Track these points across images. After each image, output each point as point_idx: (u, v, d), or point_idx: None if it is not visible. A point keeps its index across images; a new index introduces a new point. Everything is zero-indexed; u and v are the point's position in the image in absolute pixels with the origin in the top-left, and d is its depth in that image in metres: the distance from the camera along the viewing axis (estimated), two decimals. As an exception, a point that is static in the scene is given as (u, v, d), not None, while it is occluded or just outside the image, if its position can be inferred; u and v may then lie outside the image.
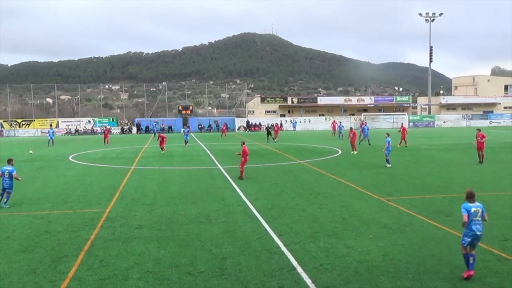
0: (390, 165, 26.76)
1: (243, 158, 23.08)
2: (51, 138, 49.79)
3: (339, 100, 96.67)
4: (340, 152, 36.23)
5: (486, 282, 9.23)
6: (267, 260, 10.69)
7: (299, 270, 10.01)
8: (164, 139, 38.80)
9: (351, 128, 38.64)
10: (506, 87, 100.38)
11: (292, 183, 21.62)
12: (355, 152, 34.65)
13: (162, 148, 38.24)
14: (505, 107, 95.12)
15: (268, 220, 14.36)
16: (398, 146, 39.44)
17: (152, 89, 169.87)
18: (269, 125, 38.54)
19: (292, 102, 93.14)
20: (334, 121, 63.34)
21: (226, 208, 16.39)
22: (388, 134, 28.60)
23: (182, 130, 40.61)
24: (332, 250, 11.34)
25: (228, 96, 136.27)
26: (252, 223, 14.12)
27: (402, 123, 51.94)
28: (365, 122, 56.90)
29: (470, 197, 9.76)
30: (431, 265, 10.21)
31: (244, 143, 23.78)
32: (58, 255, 11.22)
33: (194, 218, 14.86)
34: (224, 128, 64.65)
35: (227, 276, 9.72)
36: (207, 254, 11.21)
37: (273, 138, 50.58)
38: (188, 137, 45.04)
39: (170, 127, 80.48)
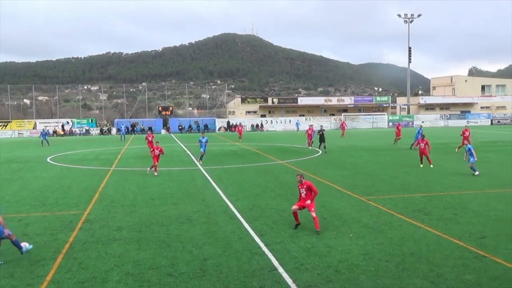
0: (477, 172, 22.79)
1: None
2: (44, 138, 50.35)
3: (319, 100, 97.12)
4: (320, 152, 36.37)
5: (464, 279, 9.35)
6: (248, 260, 10.68)
7: (280, 270, 10.02)
8: (160, 153, 25.11)
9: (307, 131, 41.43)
10: (483, 87, 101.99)
11: (272, 183, 21.64)
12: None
13: (155, 167, 25.15)
14: (482, 107, 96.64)
15: (249, 221, 14.36)
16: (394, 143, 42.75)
17: (131, 90, 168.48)
18: (321, 129, 37.16)
19: (273, 102, 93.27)
20: (344, 122, 63.57)
21: (207, 208, 16.33)
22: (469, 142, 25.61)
23: (200, 139, 30.56)
24: (313, 250, 11.37)
25: (208, 96, 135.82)
26: (233, 224, 14.10)
27: (399, 123, 52.52)
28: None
29: None
30: (411, 264, 10.31)
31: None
32: (36, 258, 11.05)
33: (174, 219, 14.78)
34: (240, 129, 58.05)
35: (208, 277, 9.69)
36: (187, 255, 11.15)
37: (239, 138, 52.03)
38: (206, 149, 30.74)
39: (150, 128, 79.94)
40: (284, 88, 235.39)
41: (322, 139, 35.56)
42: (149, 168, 25.72)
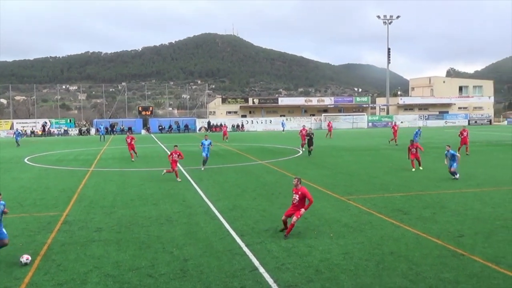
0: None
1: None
2: (16, 139, 50.16)
3: (299, 100, 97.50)
4: (300, 152, 36.51)
5: (442, 277, 9.47)
6: (229, 260, 10.66)
7: (261, 270, 10.03)
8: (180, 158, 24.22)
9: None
10: (460, 88, 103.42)
11: (253, 183, 21.65)
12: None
13: (176, 173, 23.97)
14: (459, 108, 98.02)
15: (230, 221, 14.34)
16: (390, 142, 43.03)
17: (111, 90, 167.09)
18: (310, 132, 34.52)
19: (253, 102, 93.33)
20: (330, 122, 63.48)
21: (188, 209, 16.27)
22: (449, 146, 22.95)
23: (202, 142, 27.48)
24: (294, 250, 11.41)
25: (189, 96, 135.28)
26: (213, 224, 14.07)
27: (395, 123, 52.82)
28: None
29: None
30: (390, 262, 10.40)
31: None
32: (13, 260, 10.86)
33: (154, 220, 14.68)
34: (225, 129, 58.00)
35: (188, 278, 9.65)
36: (168, 256, 11.09)
37: (225, 138, 51.96)
38: (208, 154, 27.49)
39: (130, 128, 79.36)
40: (264, 89, 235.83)
41: (310, 142, 33.61)
42: (164, 171, 23.47)
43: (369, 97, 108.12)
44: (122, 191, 20.22)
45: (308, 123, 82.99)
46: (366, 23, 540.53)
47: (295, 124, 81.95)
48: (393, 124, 49.42)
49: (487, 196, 17.72)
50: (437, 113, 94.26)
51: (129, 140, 33.12)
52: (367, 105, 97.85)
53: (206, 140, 27.45)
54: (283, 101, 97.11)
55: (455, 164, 21.71)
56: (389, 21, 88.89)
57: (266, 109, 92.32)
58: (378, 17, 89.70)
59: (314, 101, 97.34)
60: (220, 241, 12.28)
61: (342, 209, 15.91)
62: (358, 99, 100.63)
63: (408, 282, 9.25)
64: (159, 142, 52.68)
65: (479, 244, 11.66)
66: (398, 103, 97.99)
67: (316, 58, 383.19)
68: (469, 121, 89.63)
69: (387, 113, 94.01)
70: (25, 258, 10.59)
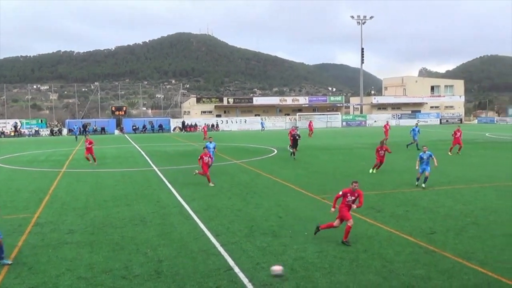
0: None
1: None
2: None
3: (274, 100, 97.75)
4: (275, 151, 36.61)
5: (415, 274, 9.62)
6: (204, 261, 10.63)
7: (236, 269, 10.02)
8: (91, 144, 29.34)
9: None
10: (432, 88, 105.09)
11: (228, 183, 21.61)
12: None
13: (88, 159, 29.67)
14: (431, 107, 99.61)
15: (205, 221, 14.29)
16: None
17: (83, 90, 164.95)
18: (295, 133, 32.57)
19: (228, 102, 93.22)
20: (311, 121, 63.36)
21: (162, 209, 16.15)
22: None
23: (207, 145, 25.29)
24: (269, 249, 11.43)
25: (163, 96, 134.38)
26: (188, 224, 14.00)
27: (387, 122, 52.55)
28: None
29: None
30: (364, 260, 10.51)
31: None
32: (-18, 264, 10.62)
33: (128, 221, 14.54)
34: (205, 129, 59.18)
35: (163, 279, 9.58)
36: (142, 257, 10.99)
37: (204, 138, 51.58)
38: (214, 158, 24.81)
39: (103, 129, 78.43)
40: (239, 88, 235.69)
41: (295, 143, 31.73)
42: (197, 171, 21.59)
43: (343, 96, 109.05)
44: (95, 192, 19.96)
45: (283, 122, 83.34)
46: (340, 23, 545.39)
47: (269, 124, 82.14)
48: (386, 123, 49.27)
49: (458, 194, 18.05)
50: (410, 112, 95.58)
51: (87, 144, 30.06)
52: (341, 105, 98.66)
53: (211, 143, 25.74)
54: (258, 100, 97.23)
55: (429, 168, 19.29)
56: (363, 21, 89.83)
57: (241, 108, 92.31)
58: (352, 17, 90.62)
59: (289, 100, 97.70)
60: (195, 241, 12.23)
61: (317, 208, 16.00)
62: (332, 98, 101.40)
63: (382, 279, 9.37)
64: (133, 143, 52.18)
65: (450, 241, 11.88)
66: (371, 103, 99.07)
67: (291, 58, 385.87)
68: (440, 120, 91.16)
69: (361, 112, 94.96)
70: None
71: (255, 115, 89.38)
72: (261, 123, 77.39)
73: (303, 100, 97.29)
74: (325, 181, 21.91)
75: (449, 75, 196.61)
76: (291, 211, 15.61)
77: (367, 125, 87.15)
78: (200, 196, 18.39)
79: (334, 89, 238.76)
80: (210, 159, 21.54)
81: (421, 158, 19.46)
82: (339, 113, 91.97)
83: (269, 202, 17.10)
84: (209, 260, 10.65)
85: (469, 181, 20.97)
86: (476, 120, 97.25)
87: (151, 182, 22.41)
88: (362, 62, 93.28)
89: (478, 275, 9.57)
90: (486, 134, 53.20)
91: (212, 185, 20.73)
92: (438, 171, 23.68)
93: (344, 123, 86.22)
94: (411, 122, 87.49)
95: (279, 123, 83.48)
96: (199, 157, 21.48)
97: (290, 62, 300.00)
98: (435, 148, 36.07)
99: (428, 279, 9.33)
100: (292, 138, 32.02)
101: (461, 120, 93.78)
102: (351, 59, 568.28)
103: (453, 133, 34.48)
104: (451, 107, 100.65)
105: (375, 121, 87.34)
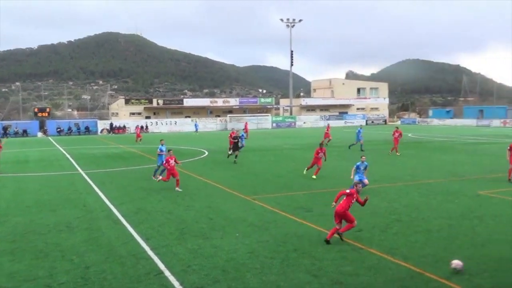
0: None
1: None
2: None
3: (205, 101, 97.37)
4: (206, 153, 36.47)
5: (343, 271, 9.88)
6: (133, 265, 10.38)
7: (167, 273, 9.87)
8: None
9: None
10: (358, 90, 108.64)
11: (158, 185, 21.24)
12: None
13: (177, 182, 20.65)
14: (357, 108, 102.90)
15: (134, 225, 13.97)
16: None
17: (3, 90, 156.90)
18: (237, 135, 32.14)
19: (158, 103, 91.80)
20: (246, 123, 62.63)
21: (89, 214, 15.64)
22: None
23: (160, 147, 23.19)
24: (200, 251, 11.35)
25: (89, 97, 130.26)
26: (116, 229, 13.63)
27: (329, 124, 51.53)
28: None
29: None
30: (294, 259, 10.67)
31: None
32: None
33: (53, 227, 13.94)
34: (138, 131, 57.49)
35: (90, 286, 9.27)
36: (68, 264, 10.58)
37: (138, 140, 50.59)
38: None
39: (25, 131, 74.88)
40: (169, 89, 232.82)
41: (235, 146, 30.62)
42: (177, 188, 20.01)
43: (273, 98, 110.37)
44: (17, 197, 19.01)
45: (214, 124, 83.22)
46: (270, 25, 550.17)
47: (200, 125, 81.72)
48: (328, 124, 48.64)
49: (383, 192, 18.75)
50: (337, 113, 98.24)
51: None
52: (271, 106, 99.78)
53: (162, 145, 22.97)
54: (188, 102, 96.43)
55: (365, 178, 18.71)
56: (292, 24, 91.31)
57: (171, 110, 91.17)
58: (282, 20, 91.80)
59: (219, 102, 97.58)
60: (124, 246, 11.92)
61: (248, 209, 16.08)
62: (262, 100, 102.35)
63: (312, 277, 9.55)
64: (57, 145, 50.16)
65: (376, 238, 12.31)
66: (301, 104, 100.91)
67: (221, 59, 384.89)
68: (366, 121, 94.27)
69: (291, 113, 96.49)
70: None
71: (186, 117, 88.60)
72: (195, 124, 76.83)
73: (233, 102, 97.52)
74: (256, 182, 22.07)
75: (374, 78, 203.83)
76: (222, 212, 15.60)
77: (296, 126, 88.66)
78: (129, 200, 17.97)
79: (264, 91, 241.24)
80: (174, 162, 20.26)
81: (358, 167, 18.72)
82: (269, 114, 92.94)
83: (200, 204, 17.00)
84: (138, 265, 10.42)
85: (394, 180, 21.84)
86: (399, 121, 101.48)
87: (77, 186, 21.64)
88: (292, 64, 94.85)
89: (402, 269, 9.97)
90: (409, 135, 55.59)
91: (180, 190, 19.58)
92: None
93: (274, 125, 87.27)
94: (339, 123, 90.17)
95: (210, 125, 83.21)
96: (164, 161, 20.53)
97: (220, 64, 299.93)
98: (356, 148, 37.29)
99: (356, 275, 9.61)
100: (233, 140, 31.15)
101: (385, 121, 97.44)
102: (281, 61, 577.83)
103: (392, 132, 34.91)
104: (376, 108, 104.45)
105: (304, 123, 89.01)
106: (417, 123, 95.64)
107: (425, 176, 22.70)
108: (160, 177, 20.78)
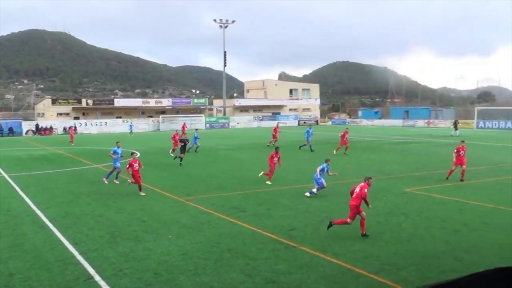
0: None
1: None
2: None
3: (136, 102, 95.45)
4: (138, 154, 35.69)
5: (276, 269, 9.98)
6: (61, 271, 9.99)
7: (97, 278, 9.57)
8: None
9: None
10: (291, 91, 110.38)
11: (87, 188, 20.61)
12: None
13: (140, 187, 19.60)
14: (290, 109, 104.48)
15: (62, 229, 13.45)
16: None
17: None
18: (184, 137, 31.17)
19: (87, 104, 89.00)
20: (184, 123, 61.15)
21: (13, 219, 14.89)
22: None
23: (114, 150, 23.25)
24: (132, 254, 11.10)
25: (13, 97, 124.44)
26: (43, 234, 13.07)
27: (277, 125, 49.40)
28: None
29: None
30: (228, 259, 10.66)
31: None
32: None
33: (-27, 234, 13.17)
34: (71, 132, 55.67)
35: (14, 294, 8.83)
36: (-11, 272, 10.02)
37: (71, 141, 48.89)
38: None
39: None
40: (99, 89, 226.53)
41: (182, 149, 29.44)
42: (129, 181, 19.23)
43: (207, 98, 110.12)
44: None
45: (147, 124, 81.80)
46: (202, 26, 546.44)
47: (134, 124, 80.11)
48: (276, 126, 46.65)
49: (315, 191, 19.08)
50: (271, 114, 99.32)
51: None
52: (204, 107, 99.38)
53: (118, 148, 22.95)
54: (119, 102, 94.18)
55: (318, 186, 18.40)
56: (225, 25, 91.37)
57: (101, 110, 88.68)
58: (215, 20, 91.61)
59: (152, 102, 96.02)
60: (51, 251, 11.45)
61: (181, 210, 15.92)
62: (196, 100, 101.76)
63: (245, 277, 9.57)
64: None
65: (308, 236, 12.53)
66: (234, 105, 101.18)
67: (154, 59, 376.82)
68: (299, 121, 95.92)
69: (224, 114, 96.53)
70: None
71: (117, 117, 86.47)
72: (130, 125, 75.12)
73: (166, 102, 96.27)
74: (190, 183, 21.89)
75: (306, 79, 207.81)
76: (155, 214, 15.35)
77: (230, 127, 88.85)
78: (56, 203, 17.29)
79: (197, 92, 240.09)
80: (139, 166, 19.14)
81: (323, 169, 18.55)
82: (203, 115, 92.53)
83: (132, 206, 16.63)
84: (67, 271, 10.04)
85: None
86: (331, 122, 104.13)
87: (0, 190, 20.56)
88: (225, 65, 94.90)
89: (333, 266, 10.21)
90: (339, 135, 57.09)
91: (143, 194, 18.57)
92: (297, 170, 24.96)
93: (207, 125, 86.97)
94: (272, 124, 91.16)
95: (142, 125, 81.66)
96: (127, 166, 19.24)
97: (152, 64, 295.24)
98: (294, 149, 37.90)
99: (289, 274, 9.74)
100: (181, 143, 30.00)
101: (317, 121, 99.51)
102: (214, 62, 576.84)
103: (342, 133, 35.47)
104: (308, 109, 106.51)
105: (237, 123, 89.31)
106: (347, 123, 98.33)
107: (355, 175, 23.34)
108: (130, 181, 19.20)
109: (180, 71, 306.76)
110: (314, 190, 18.15)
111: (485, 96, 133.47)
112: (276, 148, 22.57)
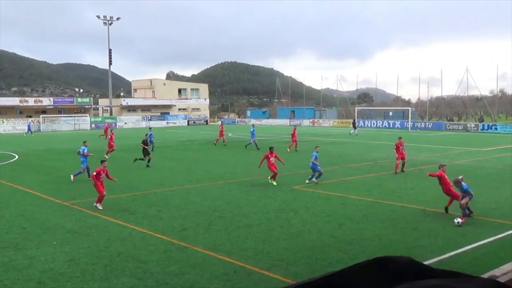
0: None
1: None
2: None
3: (13, 101, 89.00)
4: (16, 157, 33.44)
5: (168, 271, 9.86)
6: None
7: (-29, 292, 8.82)
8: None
9: None
10: (180, 91, 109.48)
11: (-41, 194, 18.89)
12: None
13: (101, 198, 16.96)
14: (179, 109, 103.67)
15: None
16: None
17: None
18: (146, 139, 29.56)
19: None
20: (107, 124, 56.93)
21: None
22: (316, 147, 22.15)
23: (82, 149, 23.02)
24: (11, 263, 10.36)
25: None
26: None
27: (222, 125, 48.01)
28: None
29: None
30: (118, 263, 10.34)
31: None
32: None
33: None
34: None
35: None
36: None
37: None
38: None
39: None
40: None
41: (145, 152, 27.74)
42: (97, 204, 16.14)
43: (91, 98, 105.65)
44: None
45: (25, 125, 76.70)
46: (84, 21, 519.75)
47: (9, 127, 74.76)
48: (221, 126, 45.74)
49: (206, 191, 19.16)
50: (159, 114, 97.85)
51: None
52: (89, 106, 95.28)
53: (85, 147, 22.84)
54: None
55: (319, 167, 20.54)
56: (109, 22, 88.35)
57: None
58: (98, 17, 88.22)
59: (30, 101, 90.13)
60: None
61: (66, 215, 15.15)
62: (79, 100, 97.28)
63: (137, 280, 9.35)
64: None
65: (200, 235, 12.53)
66: (121, 104, 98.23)
67: (31, 56, 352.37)
68: (188, 121, 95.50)
69: (111, 114, 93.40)
70: None
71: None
72: (28, 125, 69.92)
73: (47, 101, 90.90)
74: (74, 186, 20.89)
75: (194, 79, 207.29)
76: (37, 220, 14.46)
77: (117, 127, 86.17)
78: None
79: (81, 90, 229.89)
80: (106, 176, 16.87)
81: (316, 157, 20.74)
82: (88, 115, 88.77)
83: (10, 212, 15.51)
84: None
85: (215, 178, 22.44)
86: (220, 121, 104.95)
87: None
88: (110, 63, 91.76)
89: (226, 264, 10.30)
90: (229, 134, 57.74)
91: (101, 208, 15.85)
92: (187, 170, 24.86)
93: (93, 125, 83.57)
94: (161, 124, 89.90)
95: (20, 126, 76.43)
96: (94, 173, 16.80)
97: (30, 60, 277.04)
98: (184, 148, 37.69)
99: (181, 274, 9.66)
100: (144, 146, 28.23)
101: (206, 121, 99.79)
102: (98, 60, 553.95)
103: (292, 132, 36.20)
104: (198, 109, 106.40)
105: (125, 123, 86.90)
106: (236, 123, 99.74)
107: (245, 174, 23.77)
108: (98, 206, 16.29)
109: (61, 69, 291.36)
110: (315, 179, 20.36)
111: (364, 97, 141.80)
112: (271, 148, 21.73)
